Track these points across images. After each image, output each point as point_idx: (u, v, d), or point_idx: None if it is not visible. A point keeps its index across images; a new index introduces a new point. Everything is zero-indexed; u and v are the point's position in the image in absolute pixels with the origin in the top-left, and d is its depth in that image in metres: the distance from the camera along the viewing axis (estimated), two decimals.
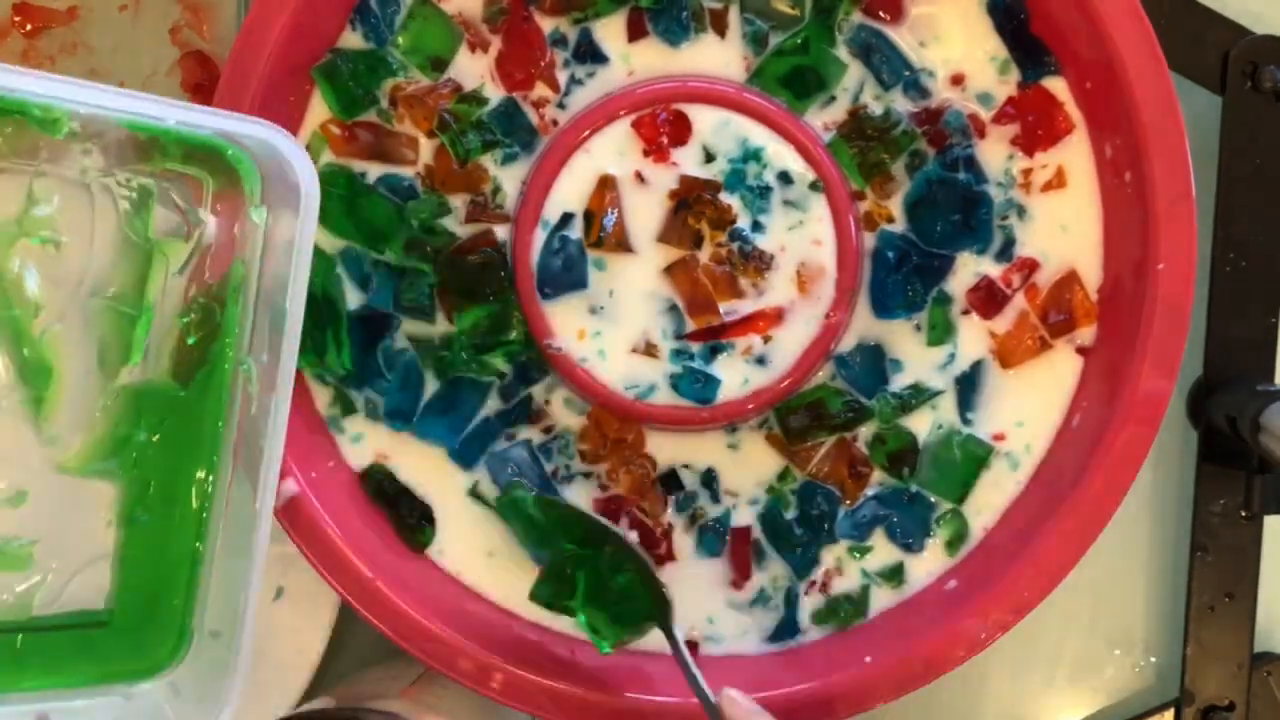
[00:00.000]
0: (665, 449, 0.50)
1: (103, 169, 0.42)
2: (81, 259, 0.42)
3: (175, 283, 0.43)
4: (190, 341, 0.44)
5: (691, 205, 0.48)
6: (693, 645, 0.50)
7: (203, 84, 0.53)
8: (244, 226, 0.44)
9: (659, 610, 0.46)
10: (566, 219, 0.48)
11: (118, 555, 0.43)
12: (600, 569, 0.47)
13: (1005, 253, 0.49)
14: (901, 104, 0.49)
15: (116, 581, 0.43)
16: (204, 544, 0.43)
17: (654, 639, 0.48)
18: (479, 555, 0.50)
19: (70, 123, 0.39)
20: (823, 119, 0.49)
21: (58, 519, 0.42)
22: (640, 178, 0.48)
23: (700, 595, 0.50)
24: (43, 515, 0.42)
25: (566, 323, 0.48)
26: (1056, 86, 0.49)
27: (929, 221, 0.49)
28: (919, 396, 0.49)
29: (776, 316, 0.48)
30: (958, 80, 0.49)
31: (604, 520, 0.48)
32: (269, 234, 0.43)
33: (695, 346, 0.48)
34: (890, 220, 0.49)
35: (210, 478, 0.43)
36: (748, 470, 0.50)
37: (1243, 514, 0.52)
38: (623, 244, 0.48)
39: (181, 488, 0.43)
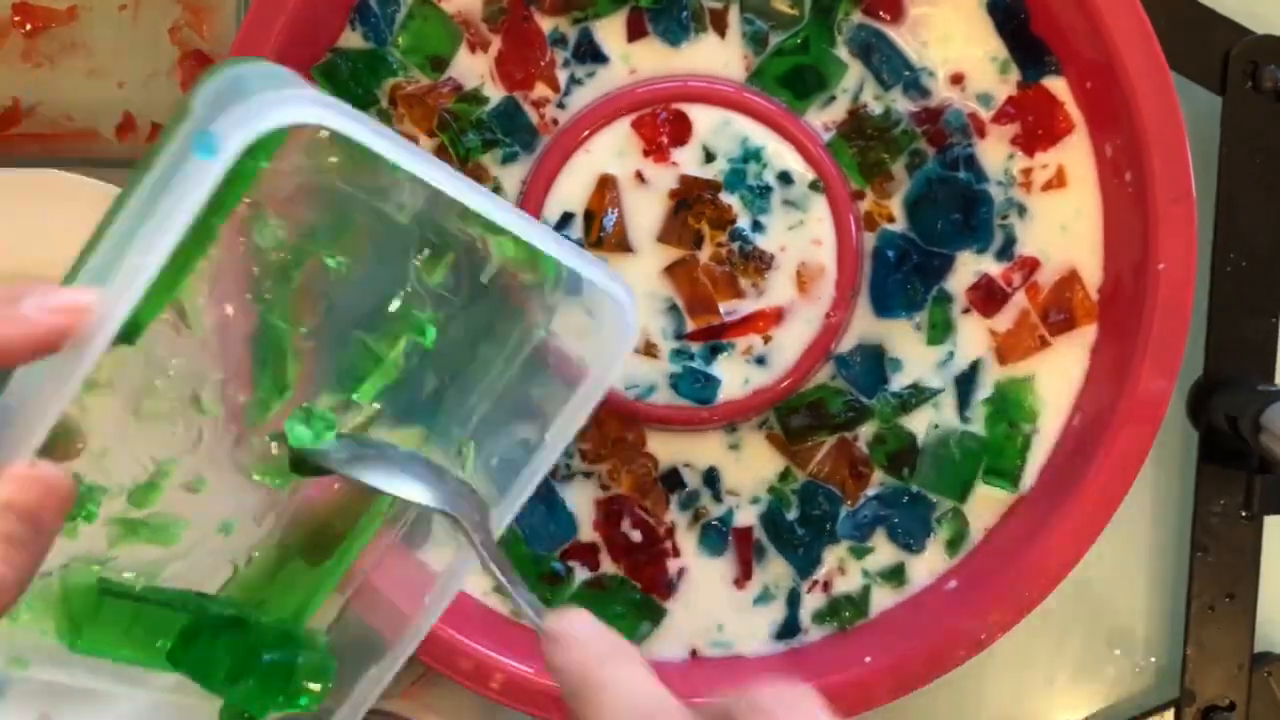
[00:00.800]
0: (666, 449, 0.50)
1: (417, 214, 0.38)
2: (361, 287, 0.39)
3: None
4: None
5: (691, 205, 0.48)
6: (694, 653, 0.50)
7: None
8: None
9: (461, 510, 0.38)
10: (567, 219, 0.48)
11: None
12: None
13: (1005, 252, 0.49)
14: (901, 103, 0.49)
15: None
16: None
17: (653, 643, 0.48)
18: None
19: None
20: (823, 118, 0.49)
21: (213, 510, 0.40)
22: (640, 177, 0.48)
23: (705, 594, 0.50)
24: (203, 505, 0.40)
25: (569, 324, 0.48)
26: (1057, 86, 0.49)
27: (929, 220, 0.49)
28: (919, 396, 0.49)
29: (776, 316, 0.48)
30: (958, 80, 0.49)
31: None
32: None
33: (695, 346, 0.48)
34: (890, 220, 0.49)
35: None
36: (749, 470, 0.50)
37: (1243, 514, 0.52)
38: (623, 244, 0.48)
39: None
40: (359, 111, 0.31)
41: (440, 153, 0.49)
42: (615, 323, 0.37)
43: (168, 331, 0.37)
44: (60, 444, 0.35)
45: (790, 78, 0.48)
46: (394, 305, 0.39)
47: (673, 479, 0.50)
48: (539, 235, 0.35)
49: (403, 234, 0.38)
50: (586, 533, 0.50)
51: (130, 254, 0.29)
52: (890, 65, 0.48)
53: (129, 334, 0.33)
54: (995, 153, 0.49)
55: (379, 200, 0.37)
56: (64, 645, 0.38)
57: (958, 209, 0.49)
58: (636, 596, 0.49)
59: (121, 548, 0.39)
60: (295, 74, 0.32)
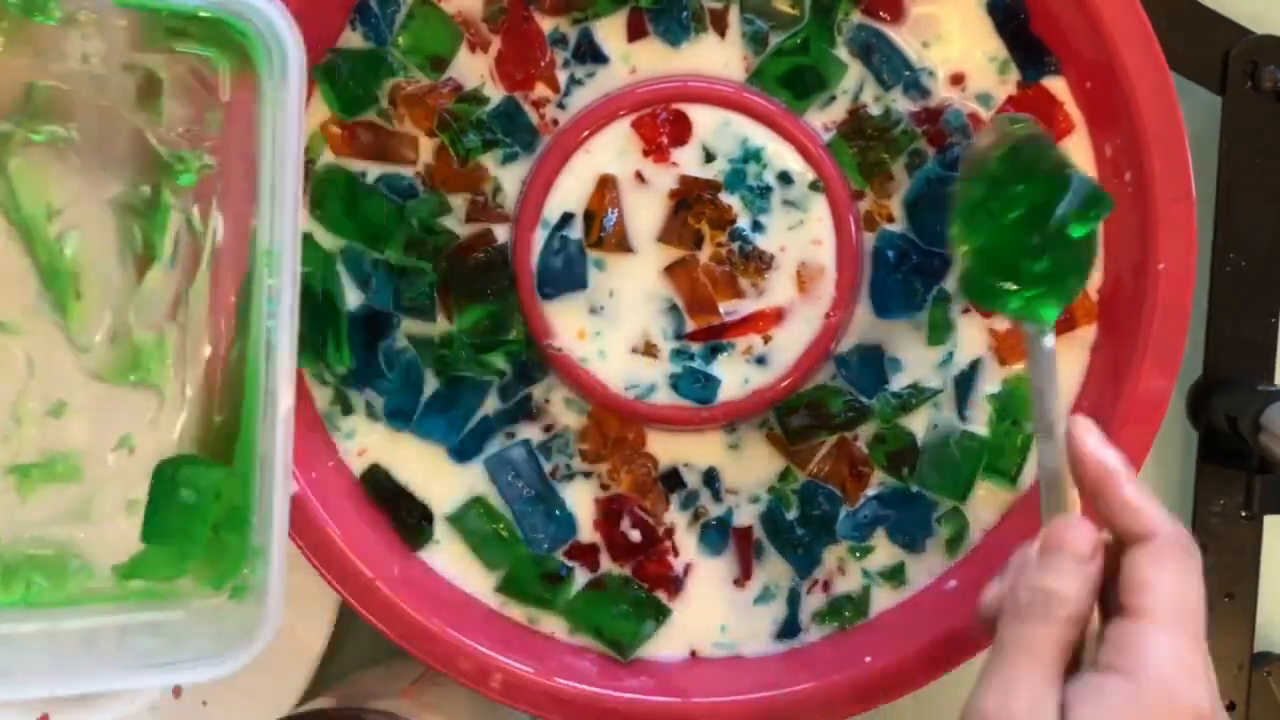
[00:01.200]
0: (666, 449, 0.50)
1: (105, 56, 0.39)
2: (95, 155, 0.40)
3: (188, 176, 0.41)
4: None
5: (691, 205, 0.48)
6: (693, 654, 0.50)
7: None
8: (258, 110, 0.41)
9: None
10: (566, 219, 0.48)
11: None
12: None
13: None
14: (901, 104, 0.49)
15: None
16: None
17: (654, 643, 0.48)
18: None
19: (60, 7, 0.37)
20: (822, 119, 0.49)
21: (101, 429, 0.41)
22: (640, 178, 0.48)
23: (706, 594, 0.50)
24: (84, 426, 0.41)
25: (566, 323, 0.48)
26: (1056, 86, 0.49)
27: (928, 220, 0.49)
28: (919, 396, 0.49)
29: (776, 316, 0.48)
30: (958, 80, 0.49)
31: None
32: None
33: (695, 346, 0.48)
34: (890, 220, 0.49)
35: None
36: (749, 470, 0.50)
37: (1243, 514, 0.52)
38: (623, 244, 0.48)
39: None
40: None
41: (441, 153, 0.49)
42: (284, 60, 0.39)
43: None
44: None
45: (790, 78, 0.48)
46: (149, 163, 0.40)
47: (673, 479, 0.50)
48: None
49: (106, 82, 0.38)
50: (586, 533, 0.50)
51: None
52: (890, 65, 0.48)
53: None
54: None
55: (55, 60, 0.37)
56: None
57: None
58: (641, 595, 0.49)
59: (35, 496, 0.39)
60: None
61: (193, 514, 0.41)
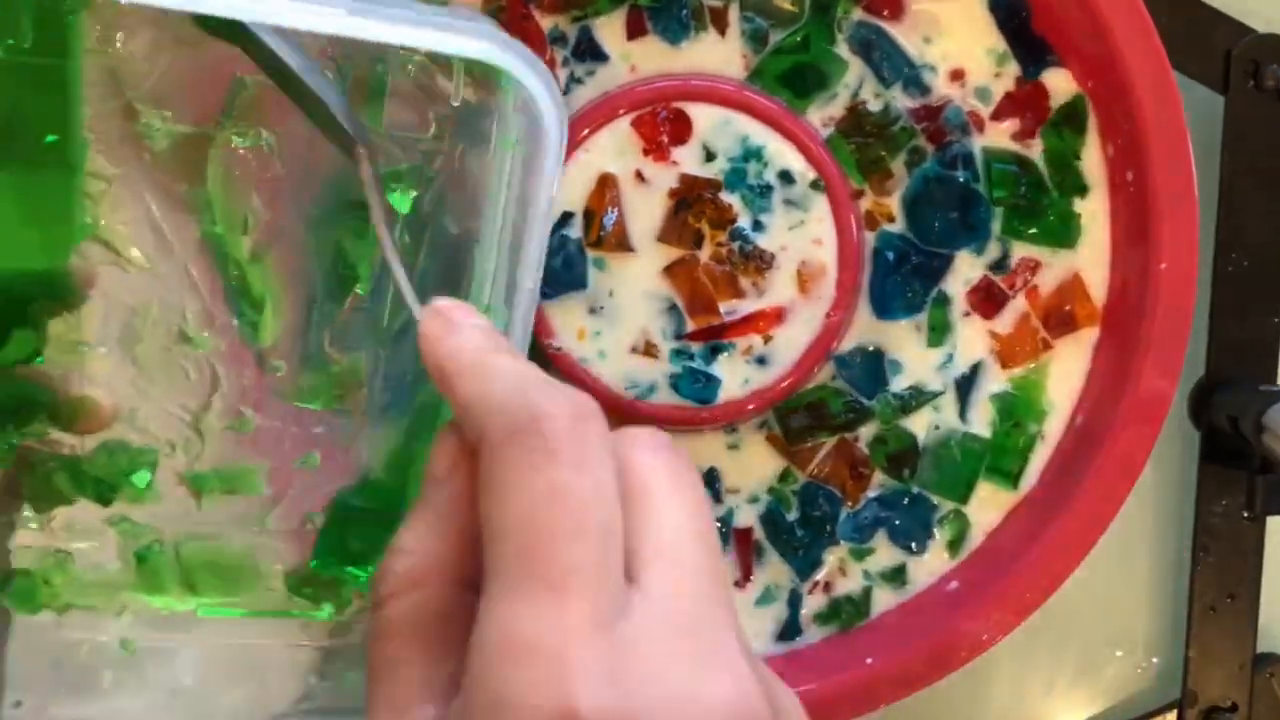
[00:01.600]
0: None
1: (322, 51, 0.34)
2: (299, 165, 0.35)
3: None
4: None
5: (691, 205, 0.47)
6: None
7: None
8: (496, 135, 0.35)
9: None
10: (566, 218, 0.48)
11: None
12: None
13: (1004, 253, 0.49)
14: (901, 100, 0.49)
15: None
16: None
17: None
18: None
19: None
20: (821, 115, 0.49)
21: (287, 445, 0.38)
22: (640, 177, 0.48)
23: None
24: (269, 441, 0.38)
25: (566, 322, 0.48)
26: (1056, 84, 0.49)
27: (927, 219, 0.49)
28: (919, 398, 0.49)
29: (777, 316, 0.48)
30: (958, 77, 0.49)
31: None
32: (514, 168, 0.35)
33: (695, 346, 0.48)
34: (890, 219, 0.49)
35: None
36: (748, 470, 0.49)
37: (1245, 515, 0.52)
38: (623, 243, 0.48)
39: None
40: None
41: None
42: (539, 129, 0.33)
43: (113, 272, 0.35)
44: (80, 418, 0.35)
45: (790, 76, 0.48)
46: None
47: None
48: (444, 31, 0.30)
49: (326, 80, 0.33)
50: None
51: None
52: (891, 62, 0.48)
53: None
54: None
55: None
56: (191, 610, 0.38)
57: (955, 207, 0.49)
58: None
59: (207, 505, 0.38)
60: None
61: (358, 559, 0.40)
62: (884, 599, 0.50)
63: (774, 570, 0.50)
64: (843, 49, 0.48)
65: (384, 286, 0.38)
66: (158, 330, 0.37)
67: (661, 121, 0.47)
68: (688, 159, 0.48)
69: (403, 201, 0.36)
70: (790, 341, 0.48)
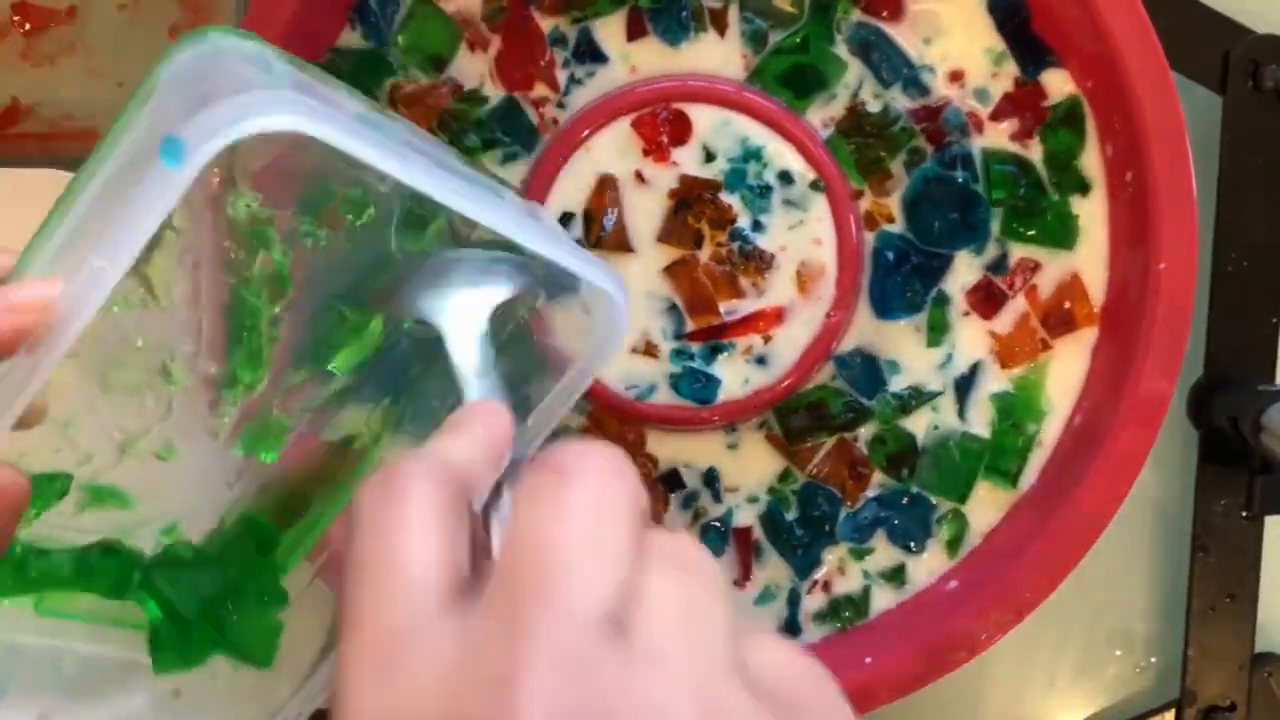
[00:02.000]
0: (666, 449, 0.49)
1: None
2: (338, 261, 0.37)
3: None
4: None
5: (691, 205, 0.48)
6: None
7: None
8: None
9: None
10: (566, 218, 0.48)
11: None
12: None
13: (1003, 253, 0.49)
14: (900, 101, 0.49)
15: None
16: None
17: None
18: None
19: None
20: (820, 116, 0.49)
21: (191, 483, 0.40)
22: (640, 177, 0.48)
23: None
24: (179, 471, 0.39)
25: (567, 322, 0.48)
26: (1055, 85, 0.49)
27: (926, 220, 0.49)
28: (919, 398, 0.49)
29: (777, 316, 0.48)
30: (957, 77, 0.49)
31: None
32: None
33: (695, 346, 0.48)
34: (890, 220, 0.49)
35: None
36: (748, 470, 0.50)
37: (1244, 514, 0.52)
38: (623, 244, 0.48)
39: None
40: (333, 110, 0.30)
41: None
42: (608, 321, 0.37)
43: (135, 304, 0.36)
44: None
45: (790, 76, 0.48)
46: (377, 277, 0.37)
47: (672, 479, 0.49)
48: (534, 239, 0.34)
49: (385, 202, 0.36)
50: None
51: (94, 257, 0.28)
52: (890, 63, 0.48)
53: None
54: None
55: (356, 171, 0.33)
56: (30, 609, 0.38)
57: (955, 208, 0.49)
58: None
59: (88, 513, 0.39)
60: (270, 50, 0.31)
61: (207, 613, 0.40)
62: (883, 598, 0.50)
63: (773, 569, 0.50)
64: (842, 50, 0.48)
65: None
66: (139, 358, 0.38)
67: (661, 122, 0.48)
68: (687, 159, 0.48)
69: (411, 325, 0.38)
70: (790, 341, 0.48)
